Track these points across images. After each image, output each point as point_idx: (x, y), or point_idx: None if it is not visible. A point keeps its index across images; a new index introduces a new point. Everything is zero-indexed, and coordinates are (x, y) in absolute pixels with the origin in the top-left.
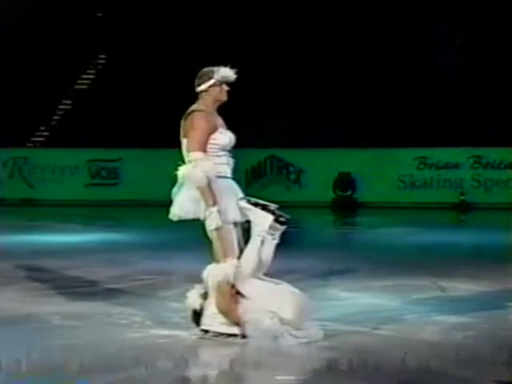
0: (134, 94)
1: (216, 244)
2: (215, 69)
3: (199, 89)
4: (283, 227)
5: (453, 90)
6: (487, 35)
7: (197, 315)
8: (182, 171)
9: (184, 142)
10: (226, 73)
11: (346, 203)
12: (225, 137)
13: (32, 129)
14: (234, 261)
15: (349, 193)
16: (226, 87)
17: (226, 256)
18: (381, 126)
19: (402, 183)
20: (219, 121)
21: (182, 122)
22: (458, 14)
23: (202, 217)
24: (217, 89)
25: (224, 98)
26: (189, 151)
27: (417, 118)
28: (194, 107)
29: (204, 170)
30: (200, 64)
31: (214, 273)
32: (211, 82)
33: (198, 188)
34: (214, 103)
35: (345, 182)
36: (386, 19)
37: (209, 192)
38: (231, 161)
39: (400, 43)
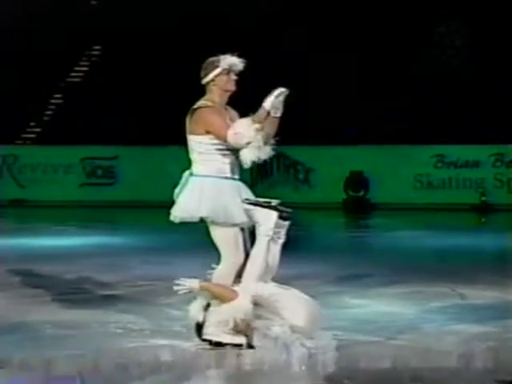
0: (131, 88)
1: (219, 245)
2: (221, 57)
3: (205, 80)
4: (287, 223)
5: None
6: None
7: (200, 328)
8: (246, 155)
9: (189, 138)
10: (233, 60)
11: (359, 204)
12: None
13: (22, 125)
14: (247, 296)
15: (361, 193)
16: (233, 76)
17: (228, 259)
18: (396, 121)
19: (419, 183)
20: (230, 115)
21: (188, 118)
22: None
23: (204, 216)
24: (224, 78)
25: (232, 87)
26: (225, 141)
27: (434, 114)
28: (199, 103)
29: (249, 129)
30: (201, 56)
31: (231, 311)
32: (218, 70)
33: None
34: (221, 95)
35: (357, 181)
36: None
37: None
38: (237, 161)
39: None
